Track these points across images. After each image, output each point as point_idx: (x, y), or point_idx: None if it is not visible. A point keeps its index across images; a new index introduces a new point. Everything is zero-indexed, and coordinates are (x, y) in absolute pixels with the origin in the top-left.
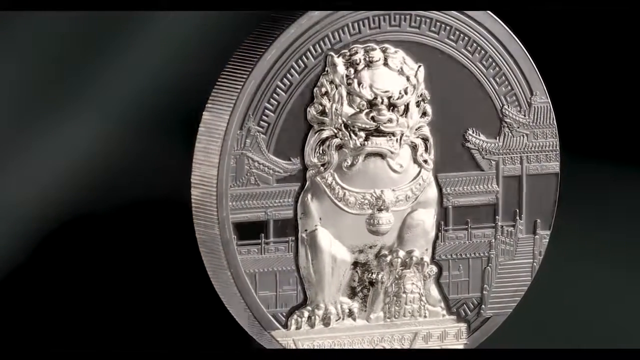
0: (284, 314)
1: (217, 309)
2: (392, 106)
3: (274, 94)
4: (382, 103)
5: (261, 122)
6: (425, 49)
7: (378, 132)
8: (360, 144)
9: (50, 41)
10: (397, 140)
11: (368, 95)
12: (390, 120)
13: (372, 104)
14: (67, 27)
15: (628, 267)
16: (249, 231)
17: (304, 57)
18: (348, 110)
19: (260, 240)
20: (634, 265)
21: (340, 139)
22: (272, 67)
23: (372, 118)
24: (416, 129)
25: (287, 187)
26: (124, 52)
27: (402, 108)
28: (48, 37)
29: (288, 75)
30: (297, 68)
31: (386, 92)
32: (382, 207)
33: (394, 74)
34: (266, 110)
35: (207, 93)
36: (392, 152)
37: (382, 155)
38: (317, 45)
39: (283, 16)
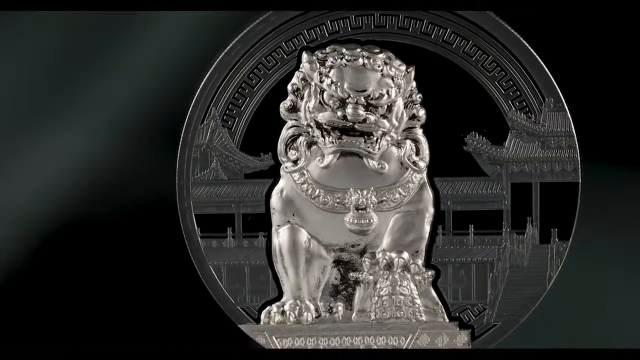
0: (256, 308)
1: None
2: (370, 106)
3: (241, 89)
4: (357, 102)
5: (227, 116)
6: (420, 51)
7: (354, 131)
8: (332, 142)
9: (50, 41)
10: (376, 140)
11: (341, 93)
12: (365, 120)
13: (345, 103)
14: (67, 27)
15: None
16: (216, 224)
17: (274, 53)
18: (320, 108)
19: (227, 234)
20: None
21: (312, 136)
22: (237, 62)
23: (344, 117)
24: (405, 131)
25: (256, 182)
26: (124, 53)
27: (383, 108)
28: (48, 37)
29: (256, 71)
30: (267, 64)
31: (363, 91)
32: (359, 207)
33: (375, 75)
34: (232, 105)
35: None
36: (369, 152)
37: (359, 155)
38: (290, 43)
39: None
